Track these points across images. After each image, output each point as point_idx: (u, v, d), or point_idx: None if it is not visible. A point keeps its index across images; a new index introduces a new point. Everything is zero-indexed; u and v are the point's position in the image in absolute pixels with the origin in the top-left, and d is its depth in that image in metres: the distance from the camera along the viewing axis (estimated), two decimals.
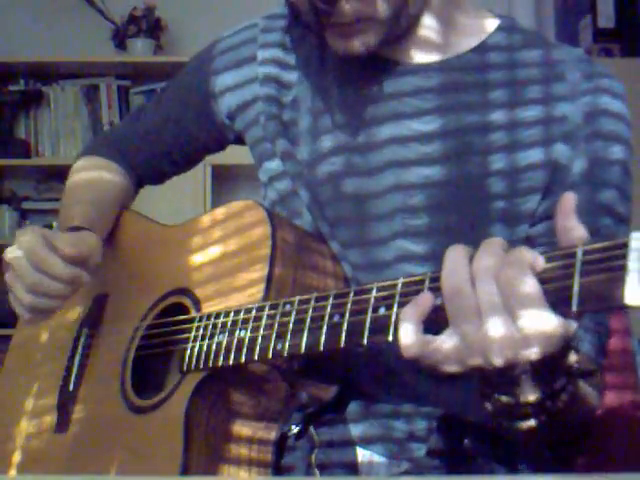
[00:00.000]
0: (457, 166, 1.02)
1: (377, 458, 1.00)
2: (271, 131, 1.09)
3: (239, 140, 1.20)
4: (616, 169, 1.01)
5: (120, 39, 3.63)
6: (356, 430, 1.00)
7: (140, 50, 3.61)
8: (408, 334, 0.74)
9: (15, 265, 1.02)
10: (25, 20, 3.69)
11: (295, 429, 1.00)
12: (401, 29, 1.02)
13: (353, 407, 1.01)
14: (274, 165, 1.09)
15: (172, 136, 1.25)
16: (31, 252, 1.01)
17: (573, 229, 0.71)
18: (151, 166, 1.30)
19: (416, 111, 1.04)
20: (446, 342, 0.73)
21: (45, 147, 3.64)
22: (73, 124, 3.64)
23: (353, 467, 1.00)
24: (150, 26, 3.59)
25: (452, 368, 0.74)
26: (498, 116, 1.02)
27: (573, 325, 0.70)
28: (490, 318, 0.70)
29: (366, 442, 1.00)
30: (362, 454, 1.00)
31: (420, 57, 1.06)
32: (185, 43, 3.63)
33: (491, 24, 1.08)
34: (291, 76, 1.10)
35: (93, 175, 1.28)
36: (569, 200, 0.72)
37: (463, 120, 1.03)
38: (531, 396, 0.77)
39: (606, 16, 3.45)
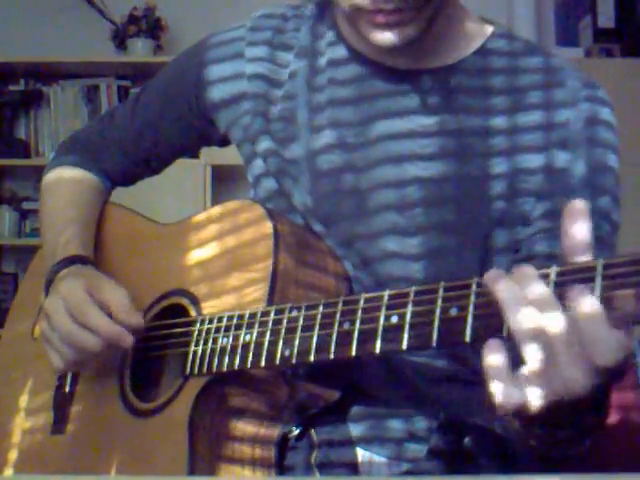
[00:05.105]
0: (456, 165, 1.02)
1: (377, 458, 1.00)
2: (254, 130, 1.09)
3: (221, 141, 1.20)
4: (612, 176, 1.03)
5: (120, 39, 3.63)
6: (356, 430, 1.00)
7: (140, 50, 3.61)
8: (503, 392, 0.71)
9: (55, 320, 1.02)
10: (25, 20, 3.69)
11: (296, 430, 1.00)
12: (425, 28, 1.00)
13: (353, 407, 1.01)
14: (258, 164, 1.09)
15: (151, 142, 1.24)
16: (76, 309, 1.01)
17: (577, 234, 0.70)
18: (125, 172, 1.29)
19: (416, 109, 1.04)
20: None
21: (45, 147, 3.64)
22: (73, 124, 3.63)
23: (353, 467, 0.99)
24: (150, 26, 3.59)
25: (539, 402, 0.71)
26: (499, 121, 1.03)
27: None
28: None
29: (366, 442, 1.00)
30: (362, 454, 1.00)
31: (423, 61, 1.05)
32: (185, 43, 3.58)
33: (487, 29, 1.08)
34: (280, 73, 1.10)
35: (72, 190, 1.26)
36: (578, 204, 0.71)
37: (464, 122, 1.03)
38: (588, 420, 0.77)
39: (606, 16, 3.45)
